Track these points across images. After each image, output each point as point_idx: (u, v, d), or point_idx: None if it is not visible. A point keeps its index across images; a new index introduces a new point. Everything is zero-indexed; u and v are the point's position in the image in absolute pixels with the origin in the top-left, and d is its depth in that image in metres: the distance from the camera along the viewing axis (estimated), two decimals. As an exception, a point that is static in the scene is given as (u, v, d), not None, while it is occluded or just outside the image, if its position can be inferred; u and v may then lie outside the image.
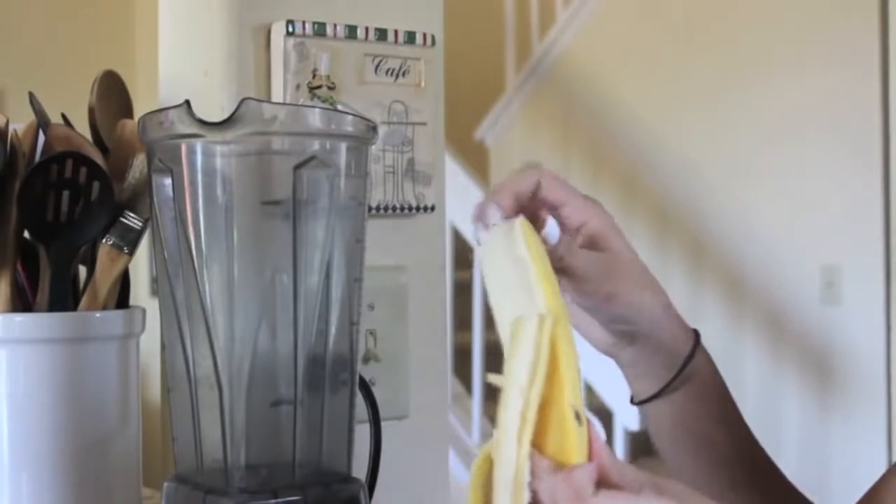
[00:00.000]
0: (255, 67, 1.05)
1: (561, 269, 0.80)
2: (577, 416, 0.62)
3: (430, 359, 1.17)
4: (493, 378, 0.66)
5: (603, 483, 0.60)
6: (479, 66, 4.72)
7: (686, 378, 0.86)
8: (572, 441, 0.62)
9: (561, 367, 0.62)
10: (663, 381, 0.86)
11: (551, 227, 0.79)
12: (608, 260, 0.82)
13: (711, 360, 0.89)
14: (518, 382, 0.61)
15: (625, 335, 0.85)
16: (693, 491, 0.64)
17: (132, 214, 0.99)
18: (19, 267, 1.00)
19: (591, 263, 0.81)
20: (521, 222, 0.71)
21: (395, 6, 1.13)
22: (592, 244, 0.82)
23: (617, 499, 0.60)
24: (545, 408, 0.62)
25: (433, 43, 1.13)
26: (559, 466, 0.61)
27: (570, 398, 0.62)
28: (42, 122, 1.01)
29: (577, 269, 0.80)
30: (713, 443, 0.89)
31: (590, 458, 0.61)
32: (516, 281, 0.67)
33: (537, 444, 0.62)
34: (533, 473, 0.62)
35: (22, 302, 0.99)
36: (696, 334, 0.88)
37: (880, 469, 0.85)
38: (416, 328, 1.15)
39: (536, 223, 0.79)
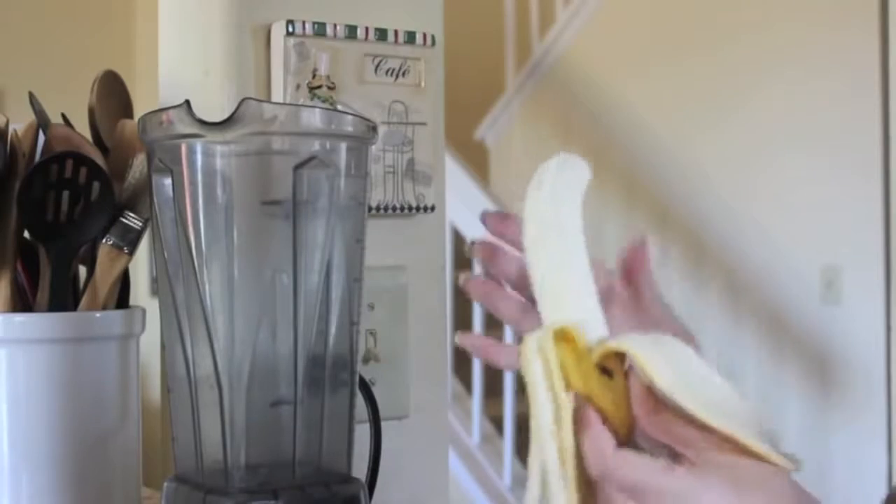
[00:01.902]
0: (255, 67, 1.05)
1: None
2: (605, 371, 0.62)
3: (430, 359, 1.17)
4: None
5: (641, 434, 0.61)
6: (479, 66, 4.72)
7: None
8: (609, 395, 0.62)
9: (580, 367, 0.62)
10: None
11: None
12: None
13: None
14: (546, 425, 0.60)
15: None
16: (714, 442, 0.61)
17: (132, 214, 0.99)
18: (19, 267, 1.00)
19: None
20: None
21: (395, 6, 1.13)
22: None
23: (635, 465, 0.59)
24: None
25: (433, 43, 1.13)
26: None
27: (595, 359, 0.62)
28: (42, 122, 1.01)
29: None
30: None
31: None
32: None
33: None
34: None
35: (22, 302, 0.99)
36: None
37: (881, 469, 0.85)
38: (416, 328, 1.15)
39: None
